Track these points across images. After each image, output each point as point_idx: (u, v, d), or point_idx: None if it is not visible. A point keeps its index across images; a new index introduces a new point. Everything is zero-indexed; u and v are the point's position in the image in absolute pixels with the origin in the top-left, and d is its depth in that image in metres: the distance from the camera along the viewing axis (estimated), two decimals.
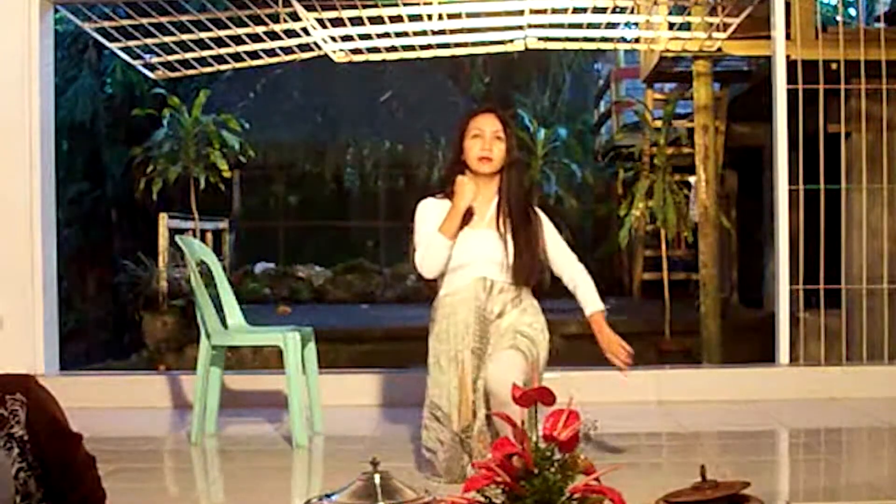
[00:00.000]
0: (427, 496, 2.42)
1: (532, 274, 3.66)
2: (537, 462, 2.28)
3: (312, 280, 14.78)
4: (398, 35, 7.45)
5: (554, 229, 3.79)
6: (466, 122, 3.71)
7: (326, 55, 7.82)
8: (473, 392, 3.52)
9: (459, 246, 3.62)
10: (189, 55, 7.46)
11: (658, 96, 11.82)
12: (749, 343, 8.75)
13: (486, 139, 3.65)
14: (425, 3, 6.77)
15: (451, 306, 3.63)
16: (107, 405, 5.23)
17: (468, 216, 3.63)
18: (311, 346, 4.56)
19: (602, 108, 15.43)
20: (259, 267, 15.03)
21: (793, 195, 5.70)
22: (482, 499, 2.32)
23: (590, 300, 3.74)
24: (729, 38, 8.02)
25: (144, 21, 6.84)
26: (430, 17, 7.00)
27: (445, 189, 3.71)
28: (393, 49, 7.67)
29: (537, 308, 3.71)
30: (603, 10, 7.11)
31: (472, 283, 3.61)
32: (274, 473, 3.87)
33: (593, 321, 3.73)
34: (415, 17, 7.06)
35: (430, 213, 3.70)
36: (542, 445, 2.33)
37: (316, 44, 7.57)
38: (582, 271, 3.79)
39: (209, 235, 12.04)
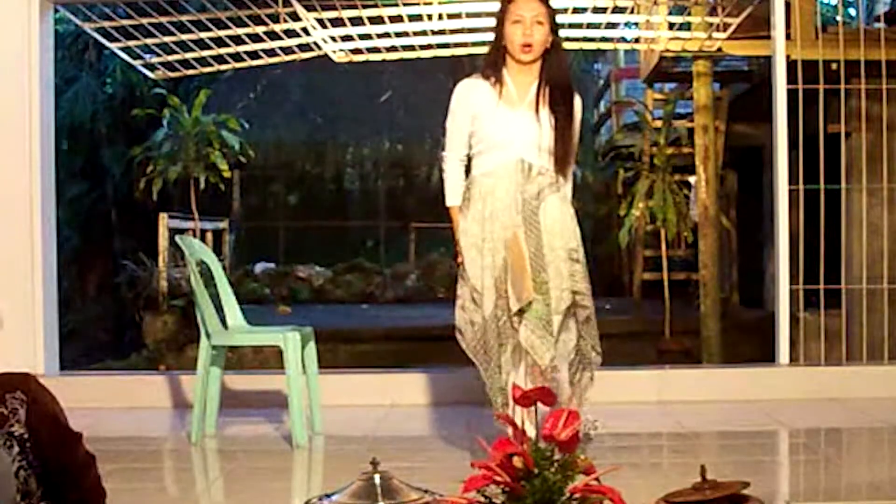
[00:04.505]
0: (427, 496, 2.42)
1: (570, 157, 3.67)
2: (537, 462, 2.28)
3: (312, 280, 14.78)
4: (398, 35, 7.46)
5: (579, 119, 3.73)
6: (506, 7, 3.66)
7: (326, 55, 7.83)
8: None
9: (496, 124, 3.61)
10: (189, 55, 7.47)
11: (658, 96, 11.81)
12: (749, 343, 8.76)
13: (526, 24, 3.61)
14: (425, 3, 6.78)
15: (489, 186, 3.61)
16: (107, 405, 5.22)
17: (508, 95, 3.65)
18: (311, 346, 4.55)
19: (602, 108, 15.43)
20: (259, 267, 15.03)
21: (793, 195, 5.70)
22: (482, 499, 2.32)
23: None
24: (729, 38, 8.02)
25: (144, 21, 6.84)
26: (430, 17, 7.00)
27: (484, 72, 3.69)
28: (393, 49, 7.68)
29: (568, 197, 3.72)
30: (603, 10, 7.11)
31: (510, 164, 3.59)
32: (274, 473, 3.87)
33: None
34: (415, 17, 7.06)
35: (461, 104, 3.69)
36: (542, 445, 2.33)
37: (316, 44, 7.58)
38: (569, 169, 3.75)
39: (209, 235, 12.05)
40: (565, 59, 3.73)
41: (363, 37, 7.50)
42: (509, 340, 3.58)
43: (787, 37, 5.78)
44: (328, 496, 2.43)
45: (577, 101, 3.71)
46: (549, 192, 3.61)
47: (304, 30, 7.32)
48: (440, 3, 6.75)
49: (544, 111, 3.63)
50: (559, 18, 3.81)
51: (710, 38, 8.19)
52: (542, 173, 3.61)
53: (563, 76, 3.67)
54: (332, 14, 6.99)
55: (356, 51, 7.73)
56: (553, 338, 3.53)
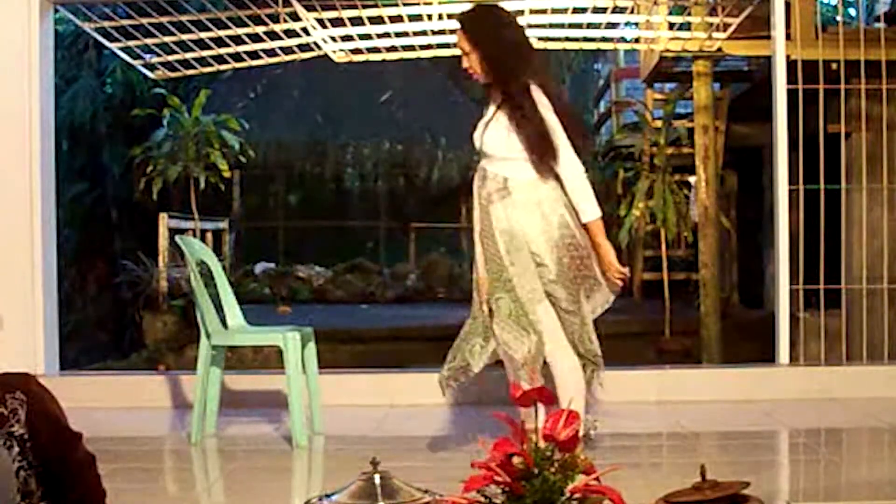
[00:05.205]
0: (427, 496, 2.42)
1: (546, 153, 3.58)
2: (537, 462, 2.28)
3: (312, 280, 14.77)
4: (398, 35, 7.46)
5: (546, 109, 3.58)
6: None
7: (326, 55, 7.83)
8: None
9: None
10: (189, 55, 7.47)
11: (658, 96, 11.81)
12: (749, 343, 8.75)
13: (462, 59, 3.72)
14: (425, 3, 6.77)
15: None
16: (107, 405, 5.22)
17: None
18: (311, 346, 4.56)
19: (602, 108, 15.43)
20: (259, 267, 15.02)
21: (793, 195, 5.70)
22: (482, 499, 2.32)
23: (583, 208, 3.71)
24: (729, 38, 8.02)
25: (144, 21, 6.85)
26: (430, 17, 7.00)
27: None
28: (393, 49, 7.68)
29: (526, 203, 3.60)
30: (603, 10, 7.12)
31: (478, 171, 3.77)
32: (274, 473, 3.87)
33: (589, 231, 3.72)
34: (415, 17, 7.06)
35: None
36: (542, 445, 2.33)
37: (316, 44, 7.58)
38: (572, 170, 3.66)
39: (209, 235, 12.04)
40: (506, 61, 3.62)
41: (363, 37, 7.50)
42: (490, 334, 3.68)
43: (787, 37, 5.79)
44: (328, 496, 2.43)
45: (536, 91, 3.57)
46: (496, 197, 3.64)
47: (304, 30, 7.32)
48: (440, 2, 6.75)
49: (493, 120, 3.65)
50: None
51: (710, 38, 8.19)
52: (492, 178, 3.66)
53: (503, 79, 3.63)
54: (332, 14, 6.99)
55: (356, 51, 7.73)
56: (528, 332, 3.56)
